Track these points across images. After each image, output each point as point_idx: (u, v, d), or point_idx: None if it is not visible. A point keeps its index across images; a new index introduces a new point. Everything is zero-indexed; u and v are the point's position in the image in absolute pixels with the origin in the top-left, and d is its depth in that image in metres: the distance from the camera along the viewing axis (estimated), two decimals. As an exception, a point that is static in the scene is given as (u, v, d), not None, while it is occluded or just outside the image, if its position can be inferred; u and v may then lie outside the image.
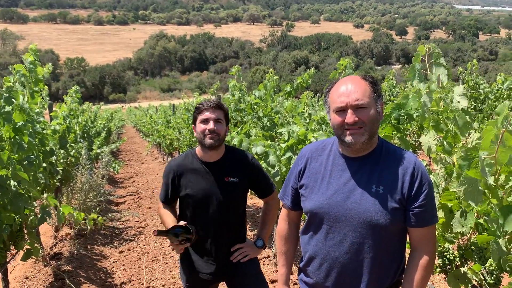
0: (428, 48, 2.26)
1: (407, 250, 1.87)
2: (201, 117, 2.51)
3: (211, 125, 2.46)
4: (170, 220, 2.63)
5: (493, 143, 1.60)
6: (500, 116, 1.57)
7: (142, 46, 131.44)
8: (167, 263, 5.23)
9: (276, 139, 4.81)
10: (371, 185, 1.75)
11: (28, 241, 3.33)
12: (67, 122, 5.96)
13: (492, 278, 1.82)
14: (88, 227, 3.50)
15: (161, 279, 4.78)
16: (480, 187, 1.66)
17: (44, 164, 4.21)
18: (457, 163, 1.81)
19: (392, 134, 2.43)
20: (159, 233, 2.31)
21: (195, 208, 2.56)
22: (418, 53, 2.31)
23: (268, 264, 4.90)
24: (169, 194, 2.65)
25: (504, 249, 1.65)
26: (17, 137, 3.13)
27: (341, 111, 1.74)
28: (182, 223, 2.46)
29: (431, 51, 2.27)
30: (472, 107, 7.74)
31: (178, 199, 2.68)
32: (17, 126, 3.11)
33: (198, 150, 2.62)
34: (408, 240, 1.86)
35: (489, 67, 69.83)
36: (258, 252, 2.71)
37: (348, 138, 1.73)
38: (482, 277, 1.88)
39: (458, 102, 2.18)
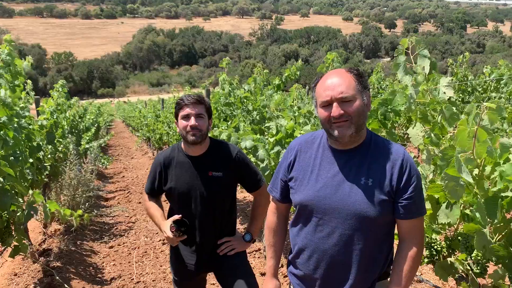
0: (410, 41, 2.27)
1: (396, 242, 1.89)
2: (182, 113, 2.49)
3: (192, 121, 2.45)
4: (158, 214, 2.64)
5: (469, 138, 1.63)
6: (471, 115, 1.60)
7: (131, 40, 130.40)
8: (157, 258, 5.22)
9: (266, 133, 4.80)
10: (360, 178, 1.76)
11: (16, 237, 3.29)
12: (55, 117, 5.89)
13: (478, 267, 1.84)
14: (75, 224, 3.46)
15: (151, 273, 4.77)
16: (462, 182, 1.67)
17: (31, 160, 4.16)
18: (437, 162, 1.83)
19: (379, 127, 2.44)
20: (176, 230, 2.42)
21: (179, 202, 2.57)
22: (401, 46, 2.31)
23: (258, 257, 4.91)
24: (155, 187, 2.67)
25: (489, 238, 1.67)
26: (1, 132, 3.09)
27: (327, 105, 1.75)
28: (177, 217, 2.46)
29: (414, 44, 2.28)
30: (460, 99, 7.79)
31: (164, 193, 2.69)
32: (1, 121, 3.07)
33: (183, 143, 2.62)
34: (396, 231, 1.87)
35: (477, 59, 70.47)
36: (245, 246, 2.71)
37: (336, 132, 1.73)
38: (468, 266, 1.90)
39: (444, 93, 2.20)
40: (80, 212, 3.42)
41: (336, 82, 1.74)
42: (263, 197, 2.72)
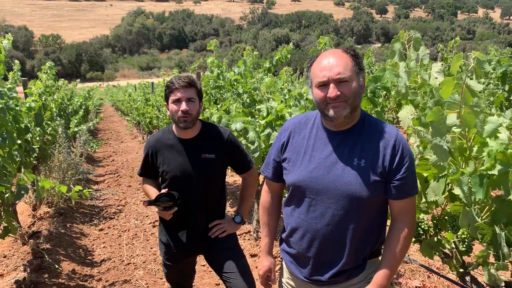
0: (408, 33, 2.26)
1: (388, 221, 1.91)
2: (172, 97, 2.46)
3: (183, 105, 2.42)
4: (152, 192, 2.64)
5: (453, 99, 1.62)
6: (455, 63, 1.57)
7: (120, 23, 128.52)
8: (148, 240, 5.24)
9: (256, 116, 4.79)
10: (353, 159, 1.75)
11: (5, 219, 3.27)
12: (43, 99, 5.81)
13: (464, 246, 1.88)
14: (73, 201, 3.43)
15: (141, 255, 4.79)
16: (445, 147, 1.69)
17: (19, 141, 4.12)
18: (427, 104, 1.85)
19: (368, 108, 2.45)
20: (149, 203, 2.34)
21: (172, 184, 2.55)
22: (398, 36, 2.31)
23: (248, 239, 4.95)
24: (147, 170, 2.69)
25: (475, 217, 1.70)
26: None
27: (324, 85, 1.73)
28: (164, 191, 2.46)
29: (411, 37, 2.28)
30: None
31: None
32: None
33: (174, 126, 2.60)
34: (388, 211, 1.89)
35: (467, 46, 70.73)
36: (236, 227, 2.73)
37: (331, 112, 1.72)
38: (454, 245, 1.94)
39: (436, 78, 2.21)
40: (79, 187, 3.39)
41: (333, 62, 1.72)
42: (252, 178, 2.74)
